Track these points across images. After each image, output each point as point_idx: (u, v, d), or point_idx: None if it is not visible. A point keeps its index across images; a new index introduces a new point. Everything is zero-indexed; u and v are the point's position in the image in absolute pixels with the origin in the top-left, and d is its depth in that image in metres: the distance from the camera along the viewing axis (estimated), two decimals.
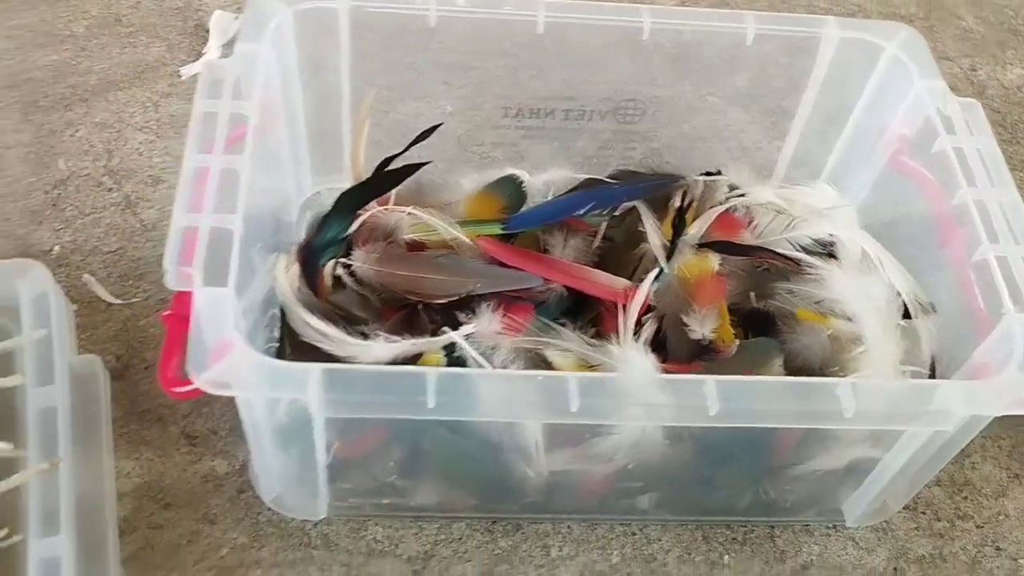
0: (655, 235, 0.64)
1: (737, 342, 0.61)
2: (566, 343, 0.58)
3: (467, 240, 0.64)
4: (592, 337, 0.59)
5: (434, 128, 0.66)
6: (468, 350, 0.56)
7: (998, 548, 0.66)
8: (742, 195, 0.68)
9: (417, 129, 0.66)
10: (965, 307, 0.59)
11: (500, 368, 0.56)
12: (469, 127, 0.73)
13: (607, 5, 0.66)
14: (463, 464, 0.60)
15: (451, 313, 0.60)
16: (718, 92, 0.73)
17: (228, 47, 0.89)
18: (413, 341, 0.56)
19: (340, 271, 0.62)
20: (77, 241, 0.74)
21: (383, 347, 0.56)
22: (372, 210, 0.64)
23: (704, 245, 0.64)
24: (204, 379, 0.46)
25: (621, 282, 0.63)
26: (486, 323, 0.58)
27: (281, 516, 0.62)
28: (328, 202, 0.65)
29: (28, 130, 0.81)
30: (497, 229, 0.65)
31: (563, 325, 0.59)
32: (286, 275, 0.61)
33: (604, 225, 0.68)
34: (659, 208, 0.67)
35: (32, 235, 0.74)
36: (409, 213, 0.64)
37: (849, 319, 0.60)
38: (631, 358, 0.55)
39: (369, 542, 0.62)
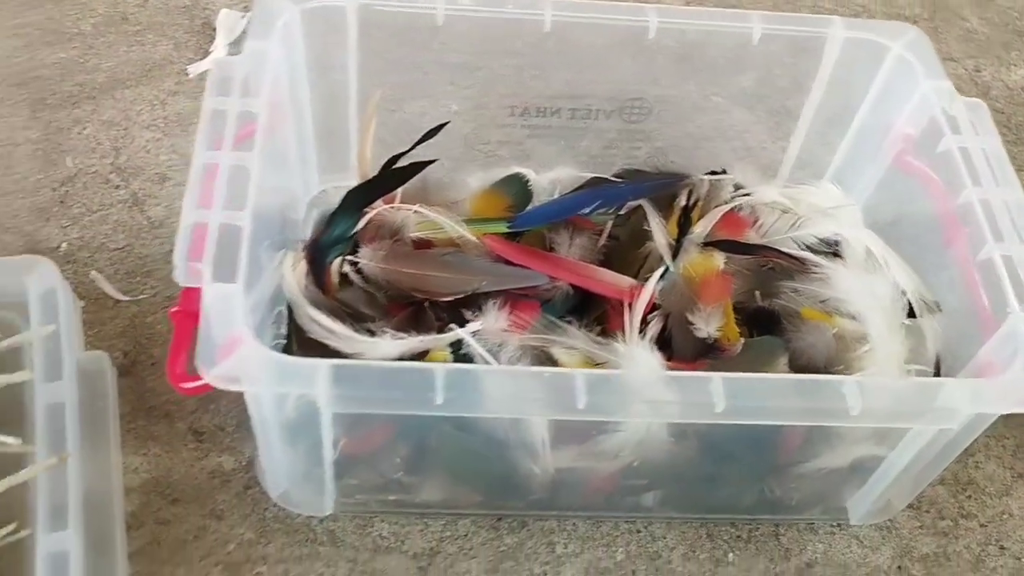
0: (661, 234, 0.65)
1: (742, 341, 0.61)
2: (572, 341, 0.58)
3: (473, 238, 0.64)
4: (598, 335, 0.59)
5: (441, 127, 0.66)
6: (475, 347, 0.56)
7: (1002, 547, 0.66)
8: (747, 194, 0.68)
9: (423, 128, 0.66)
10: (969, 306, 0.59)
11: (507, 365, 0.56)
12: (475, 126, 0.73)
13: (613, 4, 0.67)
14: (469, 461, 0.60)
15: (457, 311, 0.60)
16: (723, 92, 0.73)
17: (235, 45, 0.90)
18: (420, 338, 0.56)
19: (347, 268, 0.63)
20: (84, 238, 0.75)
21: (390, 344, 0.56)
22: (379, 208, 0.64)
23: (709, 244, 0.64)
24: (214, 374, 0.46)
25: (627, 280, 0.63)
26: (492, 321, 0.58)
27: (287, 512, 0.63)
28: (334, 200, 0.66)
29: (36, 127, 0.82)
30: (503, 227, 0.65)
31: (569, 323, 0.59)
32: (293, 272, 0.61)
33: (610, 224, 0.68)
34: (664, 207, 0.67)
35: (40, 232, 0.75)
36: (415, 211, 0.65)
37: (854, 318, 0.60)
38: (637, 356, 0.56)
39: (375, 538, 0.62)
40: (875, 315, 0.60)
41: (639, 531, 0.64)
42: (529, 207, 0.68)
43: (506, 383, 0.49)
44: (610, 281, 0.63)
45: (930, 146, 0.63)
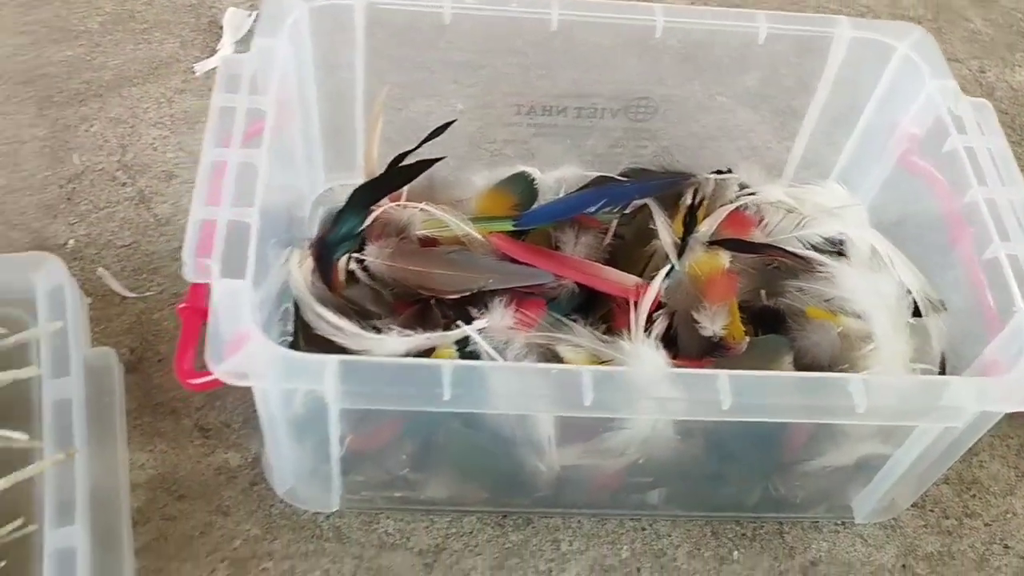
0: (666, 232, 0.65)
1: (747, 339, 0.61)
2: (578, 339, 0.58)
3: (479, 236, 0.64)
4: (603, 333, 0.59)
5: (447, 125, 0.66)
6: (482, 344, 0.57)
7: (1006, 546, 0.66)
8: (752, 194, 0.68)
9: (428, 127, 0.66)
10: (974, 305, 0.59)
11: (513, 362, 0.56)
12: (481, 124, 0.73)
13: (620, 4, 0.67)
14: (476, 458, 0.60)
15: (463, 309, 0.60)
16: (727, 92, 0.73)
17: (241, 44, 0.90)
18: (426, 335, 0.57)
19: (353, 266, 0.63)
20: (91, 235, 0.75)
21: (396, 341, 0.56)
22: (385, 206, 0.65)
23: (715, 243, 0.65)
24: (222, 369, 0.46)
25: (632, 279, 0.63)
26: (498, 318, 0.59)
27: (293, 508, 0.63)
28: (340, 198, 0.66)
29: (43, 125, 0.82)
30: (509, 226, 0.65)
31: (575, 321, 0.59)
32: (300, 269, 0.61)
33: (615, 222, 0.68)
34: (670, 206, 0.67)
35: (47, 229, 0.75)
36: (422, 209, 0.65)
37: (859, 317, 0.61)
38: (643, 354, 0.56)
39: (381, 535, 0.62)
40: (880, 314, 0.60)
41: (644, 529, 0.65)
42: (535, 206, 0.69)
43: (513, 379, 0.50)
44: (615, 280, 0.63)
45: (935, 146, 0.63)
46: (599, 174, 0.70)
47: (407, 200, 0.65)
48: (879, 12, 1.06)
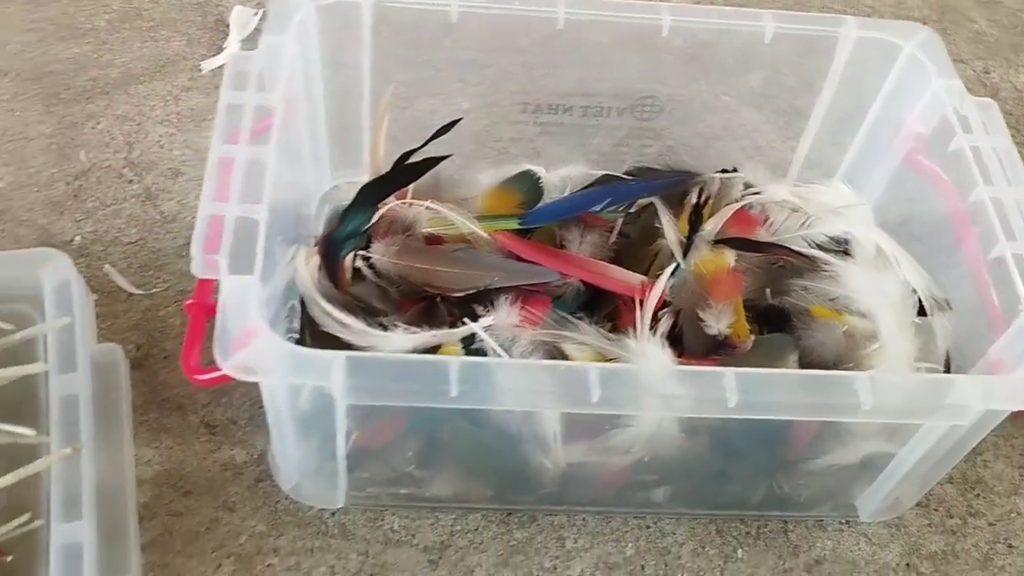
0: (672, 231, 0.65)
1: (752, 338, 0.61)
2: (583, 336, 0.58)
3: (484, 234, 0.64)
4: (609, 331, 0.59)
5: (453, 123, 0.66)
6: (488, 341, 0.57)
7: (1010, 545, 0.66)
8: (758, 193, 0.69)
9: (433, 126, 0.66)
10: (979, 305, 0.59)
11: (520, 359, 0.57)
12: (487, 123, 0.73)
13: (626, 2, 0.67)
14: (481, 455, 0.60)
15: (469, 306, 0.60)
16: (733, 91, 0.73)
17: (247, 42, 0.90)
18: (433, 332, 0.57)
19: (360, 263, 0.63)
20: (98, 232, 0.75)
21: (403, 338, 0.56)
22: (391, 204, 0.65)
23: (720, 241, 0.65)
24: (230, 365, 0.47)
25: (637, 277, 0.63)
26: (504, 316, 0.59)
27: (299, 505, 0.63)
28: (346, 196, 0.66)
29: (50, 122, 0.82)
30: (514, 224, 0.66)
31: (580, 319, 0.59)
32: (306, 267, 0.61)
33: (620, 221, 0.68)
34: (675, 205, 0.67)
35: (54, 225, 0.75)
36: (427, 207, 0.65)
37: (864, 316, 0.61)
38: (648, 352, 0.56)
39: (386, 532, 0.63)
40: (885, 313, 0.60)
41: (649, 527, 0.65)
42: (540, 204, 0.69)
43: (520, 376, 0.50)
44: (621, 278, 0.63)
45: (941, 145, 0.64)
46: (604, 173, 0.70)
47: (413, 198, 0.65)
48: (883, 13, 1.06)
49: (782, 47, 0.69)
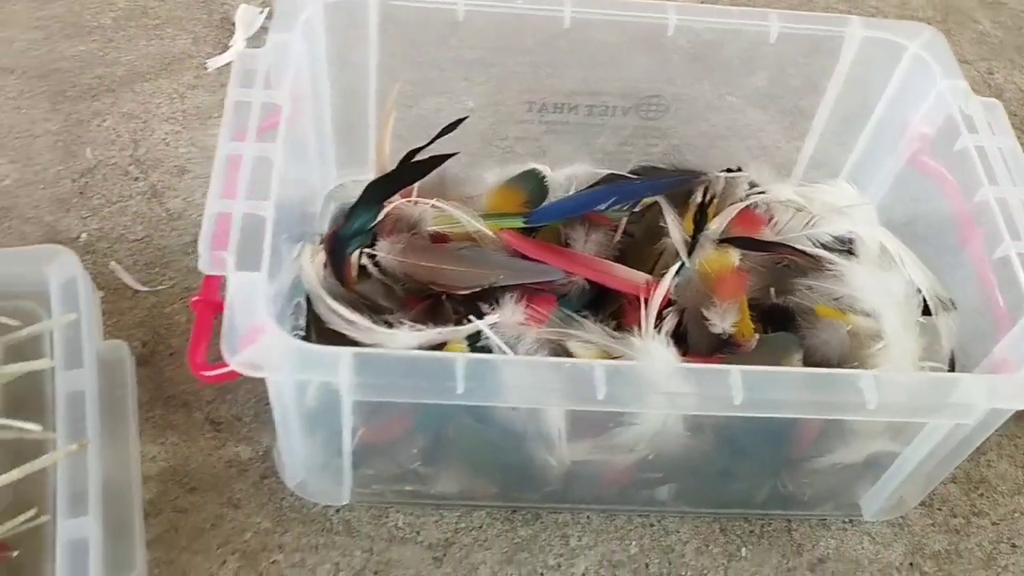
0: (676, 230, 0.65)
1: (757, 337, 0.61)
2: (588, 335, 0.58)
3: (490, 233, 0.64)
4: (614, 330, 0.59)
5: (459, 122, 0.66)
6: (494, 339, 0.57)
7: (1013, 545, 0.66)
8: (762, 192, 0.69)
9: (439, 124, 0.66)
10: (984, 304, 0.59)
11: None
12: (492, 122, 0.74)
13: (632, 1, 0.67)
14: (486, 452, 0.60)
15: (474, 304, 0.60)
16: (737, 91, 0.73)
17: (253, 41, 0.90)
18: (438, 330, 0.57)
19: (365, 261, 0.63)
20: (104, 229, 0.75)
21: (408, 335, 0.56)
22: (396, 202, 0.65)
23: (725, 240, 0.65)
24: (237, 361, 0.47)
25: (642, 276, 0.63)
26: (509, 314, 0.59)
27: (304, 502, 0.63)
28: (352, 194, 0.66)
29: (56, 119, 0.82)
30: (519, 222, 0.66)
31: (585, 317, 0.59)
32: (312, 264, 0.61)
33: (625, 220, 0.68)
34: (680, 204, 0.67)
35: (60, 222, 0.75)
36: (433, 205, 0.65)
37: (868, 315, 0.61)
38: (653, 350, 0.56)
39: (390, 528, 0.63)
40: (890, 312, 0.60)
41: (653, 525, 0.65)
42: (545, 203, 0.69)
43: (526, 373, 0.50)
44: (626, 276, 0.64)
45: (946, 145, 0.64)
46: (609, 172, 0.70)
47: (419, 196, 0.66)
48: (888, 13, 1.06)
49: (787, 47, 0.69)
